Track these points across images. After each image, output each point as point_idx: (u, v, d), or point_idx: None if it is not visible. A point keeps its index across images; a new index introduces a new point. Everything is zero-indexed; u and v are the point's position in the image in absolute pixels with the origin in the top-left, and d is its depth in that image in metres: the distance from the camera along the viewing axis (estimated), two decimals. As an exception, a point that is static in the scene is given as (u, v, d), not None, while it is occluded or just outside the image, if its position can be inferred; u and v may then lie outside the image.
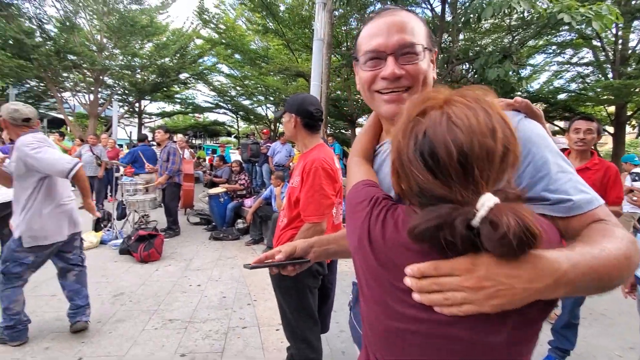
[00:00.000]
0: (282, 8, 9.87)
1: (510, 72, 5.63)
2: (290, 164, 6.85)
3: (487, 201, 0.44)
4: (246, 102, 17.27)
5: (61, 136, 9.02)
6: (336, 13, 7.42)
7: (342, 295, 2.99)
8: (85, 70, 12.59)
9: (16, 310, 2.30)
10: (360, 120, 14.02)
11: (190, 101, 19.03)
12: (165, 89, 15.78)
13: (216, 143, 23.81)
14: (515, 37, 7.25)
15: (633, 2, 7.02)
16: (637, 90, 7.36)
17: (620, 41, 8.08)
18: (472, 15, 5.05)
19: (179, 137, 8.35)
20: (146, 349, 2.37)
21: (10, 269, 2.26)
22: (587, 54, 9.26)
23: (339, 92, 10.75)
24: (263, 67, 11.35)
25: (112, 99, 14.07)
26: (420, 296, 0.50)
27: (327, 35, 5.75)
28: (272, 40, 12.06)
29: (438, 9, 6.51)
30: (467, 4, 6.85)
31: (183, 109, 20.00)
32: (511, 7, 4.32)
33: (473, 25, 6.81)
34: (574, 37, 7.97)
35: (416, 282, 0.50)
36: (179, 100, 18.85)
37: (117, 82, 14.25)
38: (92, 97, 13.14)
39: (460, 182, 0.47)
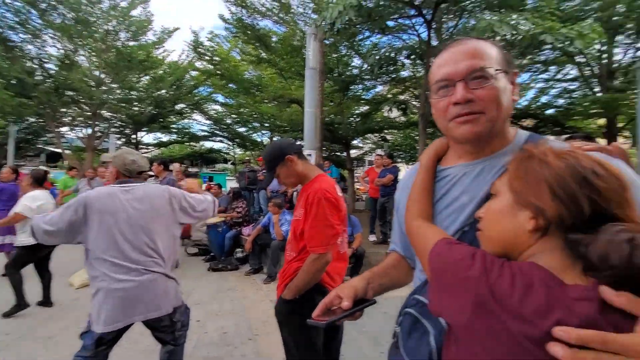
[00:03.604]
0: (274, 39, 10.18)
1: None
2: (290, 190, 6.83)
3: None
4: (242, 130, 17.49)
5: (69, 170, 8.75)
6: (327, 42, 7.66)
7: (347, 325, 2.90)
8: (83, 105, 12.78)
9: None
10: (354, 142, 14.11)
11: (187, 130, 19.24)
12: (161, 119, 15.99)
13: (212, 171, 23.88)
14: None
15: (614, 19, 7.27)
16: (626, 102, 7.52)
17: (604, 55, 8.33)
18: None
19: (175, 166, 8.26)
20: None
21: None
22: (571, 70, 9.52)
23: (332, 116, 10.93)
24: (257, 95, 11.56)
25: (109, 132, 14.21)
26: None
27: (318, 63, 5.92)
28: (265, 70, 12.36)
29: (424, 35, 6.74)
30: (452, 30, 7.12)
31: (179, 138, 20.17)
32: (494, 31, 4.48)
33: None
34: (558, 55, 8.21)
35: (571, 354, 0.42)
36: (175, 130, 19.08)
37: (114, 115, 14.43)
38: (89, 130, 13.27)
39: None
